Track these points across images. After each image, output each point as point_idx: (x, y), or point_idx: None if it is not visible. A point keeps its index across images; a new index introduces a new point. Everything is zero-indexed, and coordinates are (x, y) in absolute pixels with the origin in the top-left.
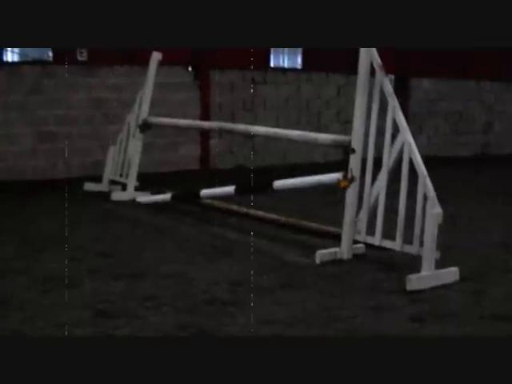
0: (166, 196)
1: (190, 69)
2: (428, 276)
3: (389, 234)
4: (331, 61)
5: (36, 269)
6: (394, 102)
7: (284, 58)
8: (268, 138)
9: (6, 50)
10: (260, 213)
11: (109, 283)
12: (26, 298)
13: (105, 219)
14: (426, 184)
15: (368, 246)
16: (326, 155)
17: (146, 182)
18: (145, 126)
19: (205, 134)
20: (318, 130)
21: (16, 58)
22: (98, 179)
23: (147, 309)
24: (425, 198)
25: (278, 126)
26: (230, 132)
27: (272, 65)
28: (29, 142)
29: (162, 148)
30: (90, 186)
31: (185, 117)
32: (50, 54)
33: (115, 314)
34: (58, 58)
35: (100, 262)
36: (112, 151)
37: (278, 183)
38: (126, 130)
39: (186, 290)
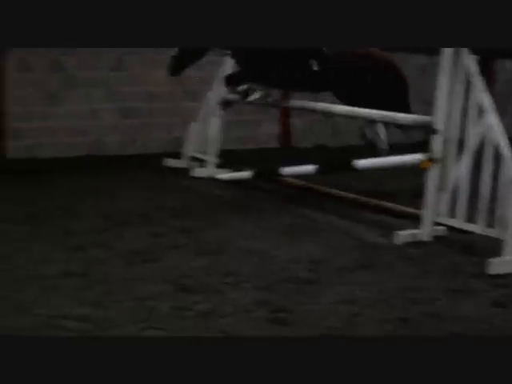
0: (247, 173)
1: None
2: (510, 260)
3: (471, 217)
4: None
5: (117, 243)
6: (478, 82)
7: None
8: (348, 118)
9: None
10: (340, 192)
11: (190, 259)
12: (108, 271)
13: (185, 195)
14: (510, 167)
15: (449, 228)
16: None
17: (227, 158)
18: (226, 103)
19: (285, 113)
20: None
21: None
22: (178, 155)
23: (227, 285)
24: (509, 181)
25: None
26: (311, 111)
27: None
28: (111, 117)
29: (242, 125)
30: (170, 162)
31: None
32: None
33: (196, 289)
34: None
35: (181, 238)
36: (193, 128)
37: (360, 163)
38: (207, 106)
39: (265, 267)
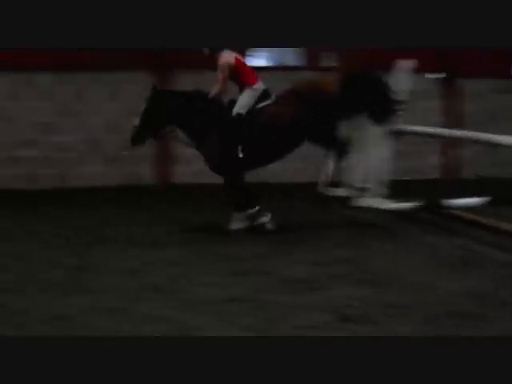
0: (409, 204)
1: (442, 75)
2: None
3: None
4: None
5: (280, 270)
6: None
7: None
8: None
9: (255, 55)
10: (505, 225)
11: (352, 289)
12: (270, 298)
13: (347, 224)
14: None
15: None
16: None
17: (390, 189)
18: (393, 134)
19: (448, 143)
20: None
21: (265, 63)
22: (338, 184)
23: (389, 316)
24: None
25: None
26: (475, 142)
27: None
28: None
29: (404, 155)
30: (331, 191)
31: (426, 125)
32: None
33: (357, 319)
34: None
35: (343, 268)
36: (355, 157)
37: None
38: (370, 136)
39: (428, 300)
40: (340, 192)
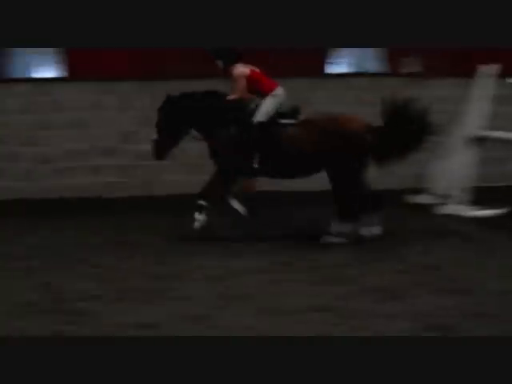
0: (493, 211)
1: None
2: None
3: None
4: None
5: (362, 278)
6: None
7: None
8: None
9: (336, 63)
10: None
11: (433, 297)
12: (348, 306)
13: (430, 232)
14: None
15: None
16: None
17: (472, 195)
18: (476, 140)
19: None
20: None
21: (345, 69)
22: (420, 191)
23: (469, 325)
24: None
25: None
26: None
27: None
28: None
29: (487, 162)
30: (413, 198)
31: (509, 131)
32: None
33: (438, 327)
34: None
35: (425, 275)
36: (438, 163)
37: None
38: (455, 142)
39: (509, 309)
40: (423, 199)
